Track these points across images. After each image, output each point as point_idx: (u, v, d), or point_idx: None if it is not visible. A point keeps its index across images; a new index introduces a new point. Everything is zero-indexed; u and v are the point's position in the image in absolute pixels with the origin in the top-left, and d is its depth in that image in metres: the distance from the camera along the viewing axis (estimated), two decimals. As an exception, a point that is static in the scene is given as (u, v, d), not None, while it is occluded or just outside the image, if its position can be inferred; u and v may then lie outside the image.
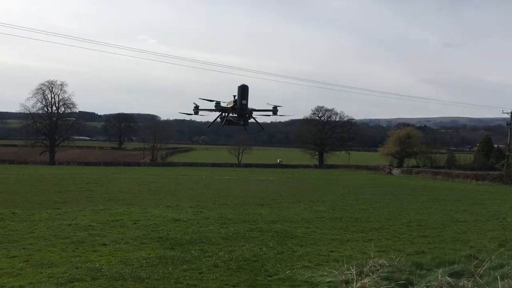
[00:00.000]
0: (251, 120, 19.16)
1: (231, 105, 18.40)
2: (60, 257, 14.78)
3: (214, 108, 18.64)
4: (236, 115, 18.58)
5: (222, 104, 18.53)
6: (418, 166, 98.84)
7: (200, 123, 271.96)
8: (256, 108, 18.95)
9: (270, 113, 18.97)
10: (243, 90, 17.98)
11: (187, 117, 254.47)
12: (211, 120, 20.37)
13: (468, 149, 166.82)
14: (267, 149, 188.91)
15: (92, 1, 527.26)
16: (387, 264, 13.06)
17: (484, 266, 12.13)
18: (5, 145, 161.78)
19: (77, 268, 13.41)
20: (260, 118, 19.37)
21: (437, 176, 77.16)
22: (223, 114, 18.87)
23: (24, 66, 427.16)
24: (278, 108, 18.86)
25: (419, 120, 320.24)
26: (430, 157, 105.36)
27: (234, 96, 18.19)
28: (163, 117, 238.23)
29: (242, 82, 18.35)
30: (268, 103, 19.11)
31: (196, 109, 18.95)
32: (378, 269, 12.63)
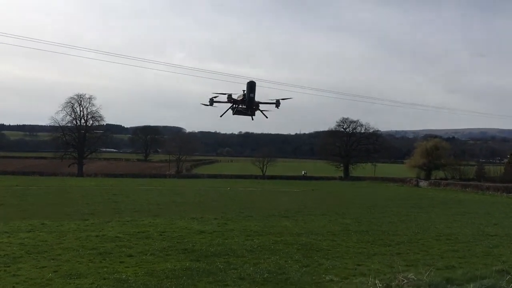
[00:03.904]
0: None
1: (241, 98, 21.60)
2: (88, 268, 15.01)
3: (227, 99, 21.98)
4: (245, 106, 21.90)
5: (233, 97, 21.79)
6: (446, 179, 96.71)
7: (225, 135, 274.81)
8: (262, 101, 22.14)
9: (274, 105, 22.08)
10: (251, 85, 21.11)
11: (212, 129, 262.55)
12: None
13: (498, 161, 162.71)
14: (292, 161, 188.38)
15: (119, 16, 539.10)
16: (415, 278, 12.80)
17: (517, 282, 11.76)
18: (35, 157, 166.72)
19: (104, 279, 13.59)
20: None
21: (467, 189, 75.31)
22: (234, 105, 22.14)
23: (53, 80, 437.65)
24: (280, 101, 21.92)
25: (447, 131, 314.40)
26: (458, 169, 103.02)
27: (243, 90, 21.34)
28: (189, 129, 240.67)
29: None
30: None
31: (212, 101, 22.11)
32: (406, 284, 12.37)
